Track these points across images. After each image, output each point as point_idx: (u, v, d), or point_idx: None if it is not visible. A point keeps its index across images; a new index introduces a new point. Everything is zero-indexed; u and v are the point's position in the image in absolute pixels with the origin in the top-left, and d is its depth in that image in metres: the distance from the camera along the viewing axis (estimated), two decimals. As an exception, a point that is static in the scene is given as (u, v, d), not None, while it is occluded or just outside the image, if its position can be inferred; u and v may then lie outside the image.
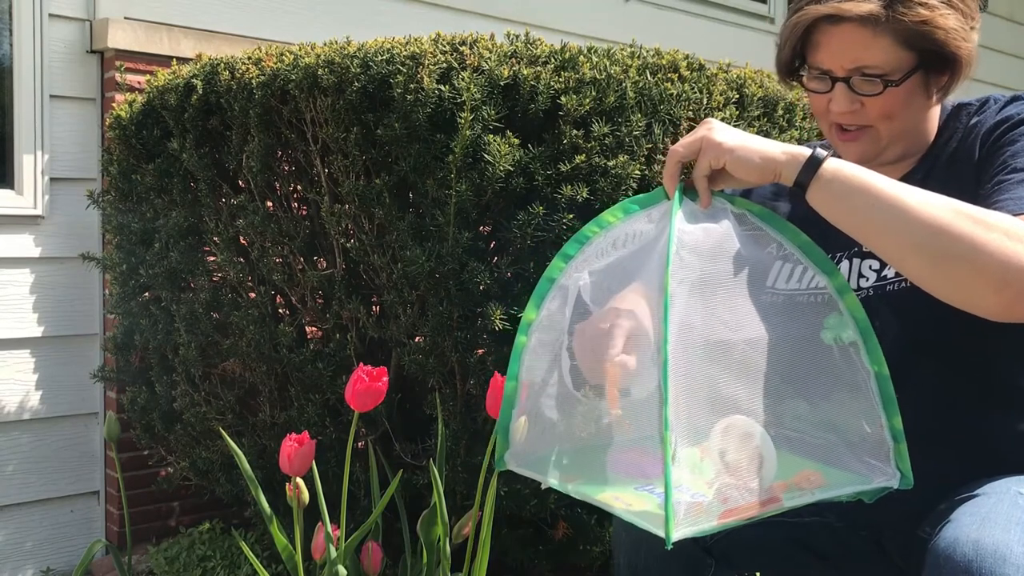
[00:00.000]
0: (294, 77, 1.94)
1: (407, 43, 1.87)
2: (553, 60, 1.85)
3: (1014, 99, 1.31)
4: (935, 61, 1.25)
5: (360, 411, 1.61)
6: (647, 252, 1.16)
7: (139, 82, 2.65)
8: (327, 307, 2.07)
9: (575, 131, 1.81)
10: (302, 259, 2.09)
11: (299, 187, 2.12)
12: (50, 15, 2.64)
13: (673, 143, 1.92)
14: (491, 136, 1.77)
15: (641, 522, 1.07)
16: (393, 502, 1.95)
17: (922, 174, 1.33)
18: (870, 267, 1.35)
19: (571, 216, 1.78)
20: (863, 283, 1.34)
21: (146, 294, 2.50)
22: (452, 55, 1.81)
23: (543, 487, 1.23)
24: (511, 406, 1.28)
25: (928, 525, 1.21)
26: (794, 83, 1.37)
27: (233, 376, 2.31)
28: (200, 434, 2.39)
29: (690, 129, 1.95)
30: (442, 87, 1.77)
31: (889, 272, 1.33)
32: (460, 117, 1.76)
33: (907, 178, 1.33)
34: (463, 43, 1.85)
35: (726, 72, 2.10)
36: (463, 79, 1.76)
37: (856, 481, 1.14)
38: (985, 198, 1.18)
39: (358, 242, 1.96)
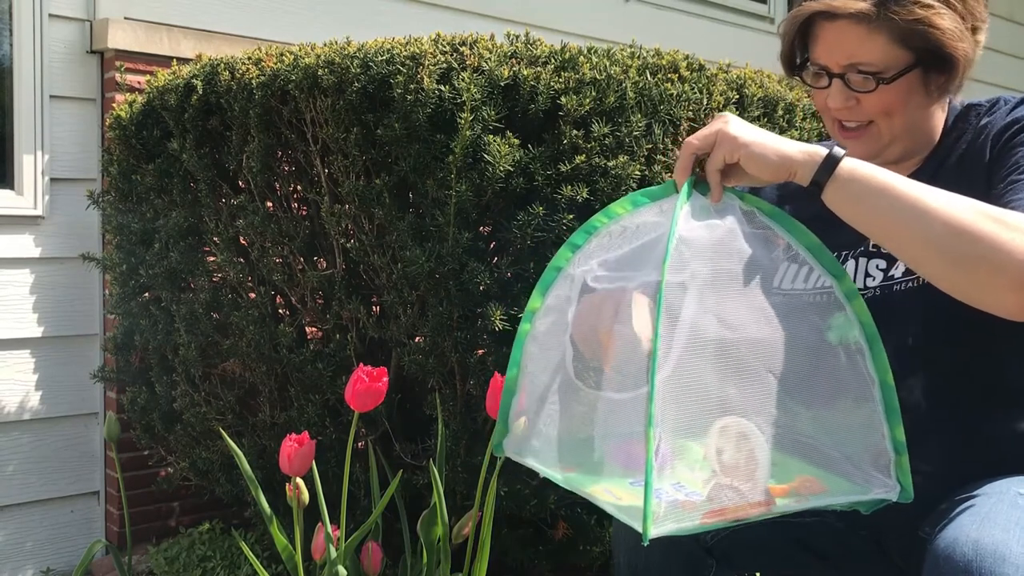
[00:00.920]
0: (294, 77, 1.94)
1: (407, 43, 1.87)
2: (553, 60, 1.85)
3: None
4: (933, 60, 1.25)
5: (360, 411, 1.61)
6: (656, 244, 1.15)
7: (139, 82, 2.65)
8: (327, 307, 2.07)
9: (575, 131, 1.81)
10: (302, 259, 2.09)
11: (299, 187, 2.12)
12: (50, 15, 2.64)
13: (673, 143, 1.92)
14: (491, 136, 1.77)
15: (624, 516, 1.07)
16: (393, 502, 1.95)
17: (930, 173, 1.33)
18: (877, 267, 1.35)
19: (571, 216, 1.78)
20: (870, 283, 1.34)
21: (146, 294, 2.50)
22: (452, 55, 1.81)
23: (539, 477, 1.23)
24: (512, 393, 1.27)
25: (928, 525, 1.21)
26: (798, 79, 1.38)
27: (233, 376, 2.31)
28: (200, 434, 2.39)
29: (691, 130, 1.96)
30: (442, 87, 1.77)
31: (896, 272, 1.32)
32: (460, 117, 1.76)
33: (915, 177, 1.33)
34: (463, 43, 1.85)
35: (726, 72, 2.10)
36: (463, 79, 1.76)
37: (855, 491, 1.13)
38: (998, 197, 1.18)
39: (358, 242, 1.96)
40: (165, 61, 2.67)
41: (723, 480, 1.07)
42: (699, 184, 1.18)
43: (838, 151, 1.14)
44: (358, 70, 1.85)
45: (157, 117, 2.40)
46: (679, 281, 1.07)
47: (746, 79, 2.12)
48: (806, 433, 1.13)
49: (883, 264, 1.34)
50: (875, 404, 1.13)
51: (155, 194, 2.41)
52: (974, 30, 1.28)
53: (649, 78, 1.90)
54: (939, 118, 1.35)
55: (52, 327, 2.69)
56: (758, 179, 1.19)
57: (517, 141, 1.79)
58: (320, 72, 1.89)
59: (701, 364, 1.06)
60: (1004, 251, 1.05)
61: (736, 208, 1.17)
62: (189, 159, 2.25)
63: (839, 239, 1.30)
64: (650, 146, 1.89)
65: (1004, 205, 1.15)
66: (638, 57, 1.95)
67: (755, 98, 2.10)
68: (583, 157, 1.80)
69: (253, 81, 2.03)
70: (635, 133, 1.85)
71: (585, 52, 1.88)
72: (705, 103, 1.98)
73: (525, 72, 1.80)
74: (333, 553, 1.72)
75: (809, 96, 1.50)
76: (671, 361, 1.04)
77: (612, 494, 1.11)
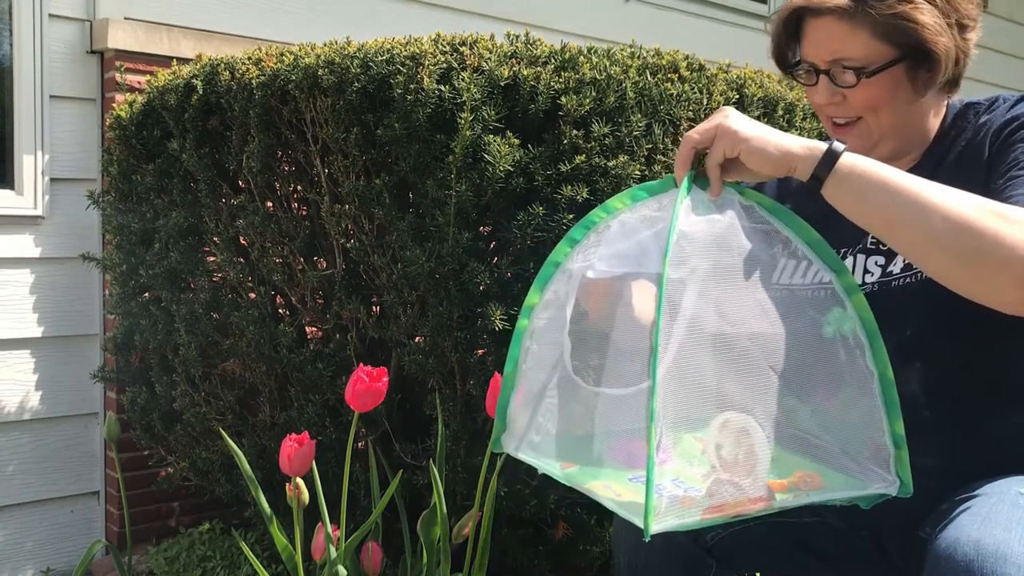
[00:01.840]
0: (294, 77, 1.94)
1: (407, 43, 1.87)
2: (553, 60, 1.85)
3: (1023, 98, 1.32)
4: (917, 56, 1.26)
5: (360, 411, 1.62)
6: (657, 239, 1.15)
7: (139, 82, 2.65)
8: (327, 307, 2.07)
9: (575, 131, 1.81)
10: (302, 259, 2.09)
11: (299, 187, 2.12)
12: (50, 15, 2.64)
13: (673, 143, 1.92)
14: (491, 136, 1.77)
15: (624, 512, 1.07)
16: (393, 502, 1.95)
17: (929, 170, 1.32)
18: (876, 263, 1.35)
19: (571, 216, 1.78)
20: (868, 278, 1.34)
21: (146, 294, 2.50)
22: (452, 55, 1.81)
23: (539, 477, 1.22)
24: (510, 389, 1.27)
25: (928, 525, 1.21)
26: (793, 78, 1.39)
27: (233, 376, 2.31)
28: (200, 434, 2.39)
29: (690, 129, 1.96)
30: (442, 87, 1.77)
31: (895, 267, 1.33)
32: (460, 117, 1.76)
33: (916, 167, 1.34)
34: (463, 43, 1.85)
35: (726, 72, 2.10)
36: (463, 79, 1.76)
37: (854, 486, 1.12)
38: (998, 193, 1.19)
39: (358, 242, 1.96)
40: (165, 61, 2.67)
41: (722, 476, 1.06)
42: (699, 179, 1.18)
43: (838, 146, 1.15)
44: (358, 70, 1.85)
45: (157, 117, 2.40)
46: (679, 276, 1.07)
47: (746, 79, 2.12)
48: (805, 428, 1.13)
49: (882, 260, 1.35)
50: (874, 398, 1.13)
51: (155, 194, 2.41)
52: (961, 27, 1.28)
53: (649, 78, 1.90)
54: (933, 115, 1.36)
55: (52, 327, 2.69)
56: (758, 174, 1.19)
57: (517, 141, 1.79)
58: (320, 72, 1.89)
59: (700, 358, 1.06)
60: (1007, 247, 1.05)
61: (736, 203, 1.16)
62: (189, 159, 2.25)
63: (838, 236, 1.30)
64: (650, 146, 1.89)
65: (1005, 200, 1.15)
66: (638, 57, 1.96)
67: (755, 98, 2.10)
68: (583, 157, 1.80)
69: (253, 81, 2.03)
70: (635, 133, 1.85)
71: (585, 52, 1.88)
72: (705, 103, 1.98)
73: (525, 72, 1.80)
74: (333, 553, 1.72)
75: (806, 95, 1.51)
76: (670, 354, 1.04)
77: (612, 490, 1.11)
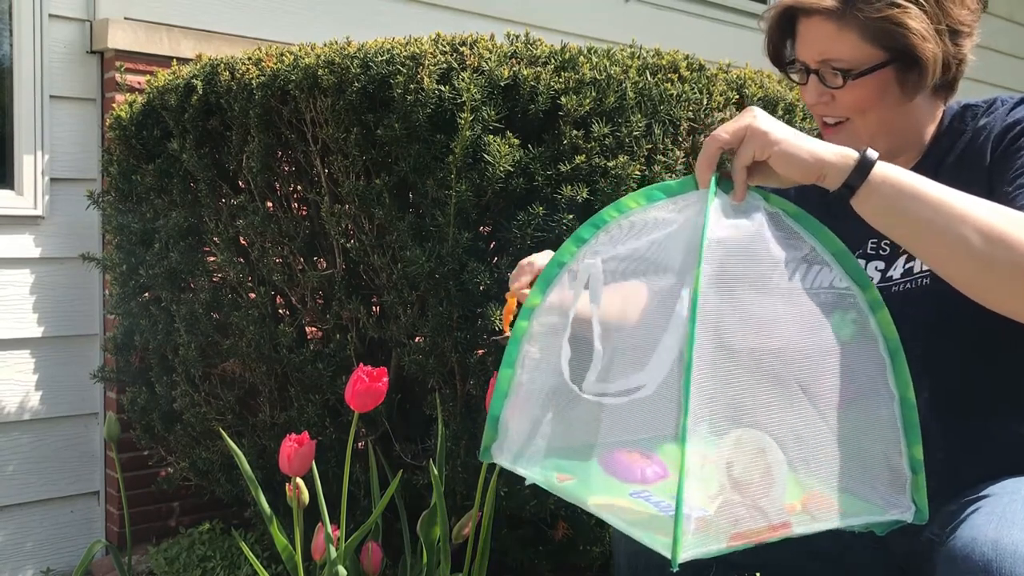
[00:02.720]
0: (294, 77, 1.94)
1: (407, 43, 1.87)
2: (553, 60, 1.85)
3: (1023, 101, 1.31)
4: (905, 60, 1.27)
5: (360, 411, 1.61)
6: (672, 243, 1.10)
7: (139, 82, 2.65)
8: (327, 307, 2.07)
9: (575, 131, 1.81)
10: (302, 259, 2.09)
11: (299, 187, 2.12)
12: (50, 15, 2.64)
13: (673, 143, 1.92)
14: (491, 136, 1.77)
15: (638, 532, 1.02)
16: (393, 502, 1.95)
17: (927, 173, 1.32)
18: (875, 268, 1.35)
19: (571, 216, 1.78)
20: None
21: (146, 294, 2.50)
22: (452, 55, 1.81)
23: (527, 483, 1.18)
24: (504, 395, 1.21)
25: (936, 526, 1.21)
26: (787, 75, 1.41)
27: (233, 376, 2.32)
28: (200, 434, 2.39)
29: (691, 130, 1.96)
30: (442, 87, 1.77)
31: (894, 272, 1.32)
32: (460, 117, 1.76)
33: (914, 169, 1.33)
34: (463, 43, 1.85)
35: (726, 72, 2.10)
36: (463, 79, 1.76)
37: (870, 511, 1.08)
38: (1007, 199, 1.17)
39: (358, 242, 1.96)
40: (165, 61, 2.67)
41: (734, 497, 1.01)
42: (721, 181, 1.11)
43: (872, 153, 1.11)
44: (358, 70, 1.85)
45: (157, 117, 2.40)
46: (708, 283, 1.02)
47: (746, 79, 2.12)
48: (824, 448, 1.08)
49: (881, 265, 1.34)
50: (895, 419, 1.09)
51: (155, 194, 2.41)
52: (954, 33, 1.27)
53: (649, 78, 1.90)
54: (926, 118, 1.35)
55: (52, 327, 2.69)
56: (785, 179, 1.13)
57: (517, 141, 1.79)
58: (320, 72, 1.89)
59: (725, 371, 1.01)
60: None
61: (761, 208, 1.11)
62: (189, 159, 2.25)
63: (843, 241, 1.30)
64: (650, 146, 1.89)
65: (1013, 207, 1.14)
66: (638, 57, 1.96)
67: (755, 98, 2.10)
68: (583, 157, 1.80)
69: (253, 81, 2.03)
70: (635, 133, 1.85)
71: (585, 52, 1.88)
72: (705, 103, 1.98)
73: (525, 72, 1.80)
74: (333, 553, 1.72)
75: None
76: (702, 369, 0.99)
77: (616, 507, 1.07)
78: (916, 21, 1.24)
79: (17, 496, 2.66)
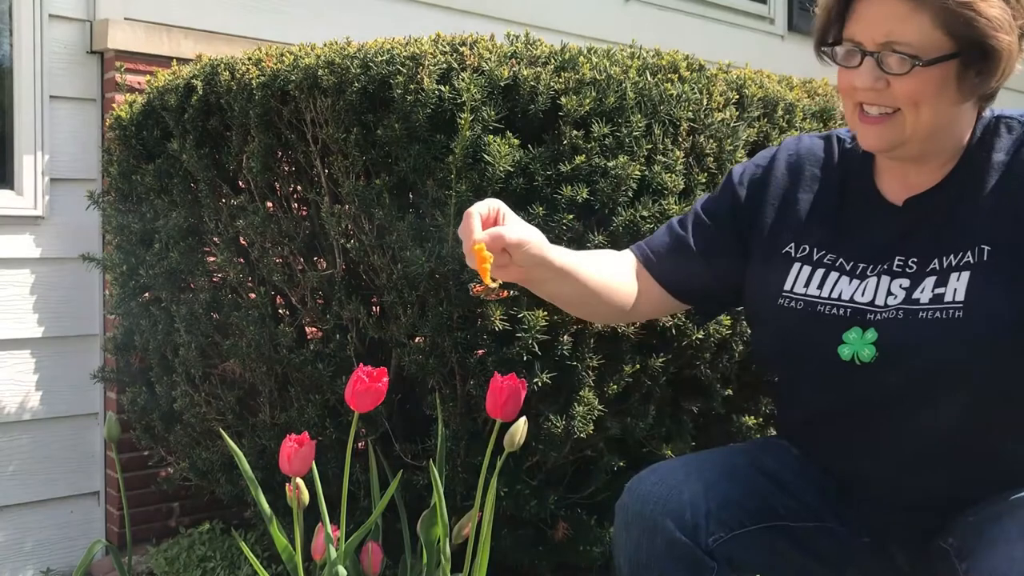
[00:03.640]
0: (294, 78, 1.94)
1: (407, 44, 1.87)
2: (553, 61, 1.85)
3: None
4: (973, 53, 1.20)
5: (360, 411, 1.61)
6: None
7: (139, 83, 2.65)
8: (327, 307, 2.07)
9: (575, 132, 1.81)
10: (302, 259, 2.09)
11: (299, 188, 2.12)
12: (50, 16, 2.64)
13: (673, 143, 1.92)
14: (491, 137, 1.77)
15: None
16: (393, 502, 1.95)
17: (960, 183, 1.29)
18: (900, 285, 1.29)
19: (571, 217, 1.78)
20: (891, 300, 1.28)
21: (146, 295, 2.50)
22: (452, 56, 1.81)
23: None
24: None
25: (952, 537, 1.20)
26: (825, 57, 1.31)
27: (233, 377, 2.31)
28: (200, 435, 2.39)
29: (691, 130, 1.96)
30: (442, 88, 1.77)
31: (921, 296, 1.26)
32: (460, 118, 1.76)
33: (945, 184, 1.30)
34: (463, 44, 1.85)
35: (726, 73, 2.10)
36: (463, 80, 1.76)
37: None
38: None
39: (358, 243, 1.96)
40: (165, 61, 2.67)
41: None
42: None
43: None
44: (358, 70, 1.85)
45: (157, 117, 2.40)
46: None
47: (746, 79, 2.12)
48: None
49: (906, 283, 1.29)
50: None
51: (155, 194, 2.41)
52: (1022, 36, 1.22)
53: (649, 78, 1.90)
54: (966, 125, 1.31)
55: (52, 327, 2.69)
56: None
57: (517, 141, 1.79)
58: (320, 72, 1.89)
59: None
60: None
61: None
62: (189, 159, 2.25)
63: (859, 252, 1.25)
64: (650, 146, 1.89)
65: None
66: (638, 57, 1.96)
67: (755, 98, 2.10)
68: (583, 157, 1.80)
69: (253, 81, 2.03)
70: (635, 133, 1.85)
71: (585, 52, 1.88)
72: (705, 103, 1.98)
73: (525, 72, 1.80)
74: (333, 553, 1.72)
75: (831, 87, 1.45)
76: None
77: None
78: (996, 10, 1.18)
79: (17, 496, 2.66)
